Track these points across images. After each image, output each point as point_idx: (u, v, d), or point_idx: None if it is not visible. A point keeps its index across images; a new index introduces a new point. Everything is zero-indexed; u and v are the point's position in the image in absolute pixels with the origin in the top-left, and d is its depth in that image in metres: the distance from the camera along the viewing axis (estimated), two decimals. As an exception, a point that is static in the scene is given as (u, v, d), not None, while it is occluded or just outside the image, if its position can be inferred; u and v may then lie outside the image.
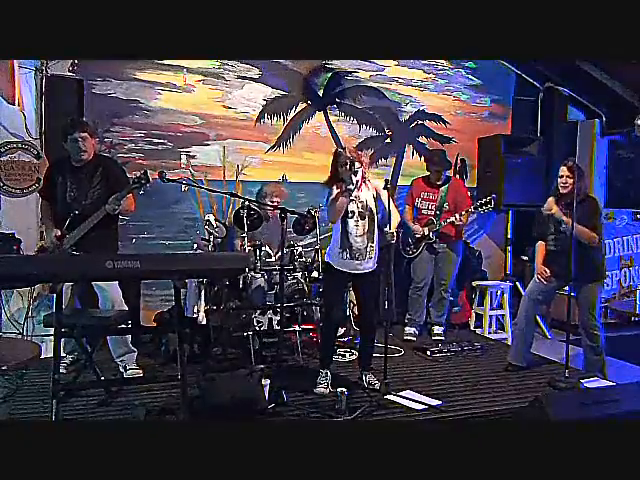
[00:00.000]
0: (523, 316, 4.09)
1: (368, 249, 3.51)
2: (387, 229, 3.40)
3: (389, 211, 3.40)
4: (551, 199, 3.88)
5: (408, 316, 5.07)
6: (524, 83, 6.32)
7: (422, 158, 5.84)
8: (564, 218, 3.77)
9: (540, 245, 4.10)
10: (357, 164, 3.38)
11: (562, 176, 3.83)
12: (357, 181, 3.40)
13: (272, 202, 4.46)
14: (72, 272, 2.70)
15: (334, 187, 3.47)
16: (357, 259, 3.49)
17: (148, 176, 3.54)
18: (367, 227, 3.50)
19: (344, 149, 3.46)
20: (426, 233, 4.91)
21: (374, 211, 3.53)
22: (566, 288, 3.91)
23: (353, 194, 3.43)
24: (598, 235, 3.83)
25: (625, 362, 4.69)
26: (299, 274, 4.35)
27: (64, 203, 3.60)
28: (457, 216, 4.73)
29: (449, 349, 4.56)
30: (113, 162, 3.92)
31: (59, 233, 3.56)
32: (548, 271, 3.97)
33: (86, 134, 3.56)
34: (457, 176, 6.06)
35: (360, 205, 3.48)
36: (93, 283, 3.64)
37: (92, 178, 3.61)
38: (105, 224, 3.58)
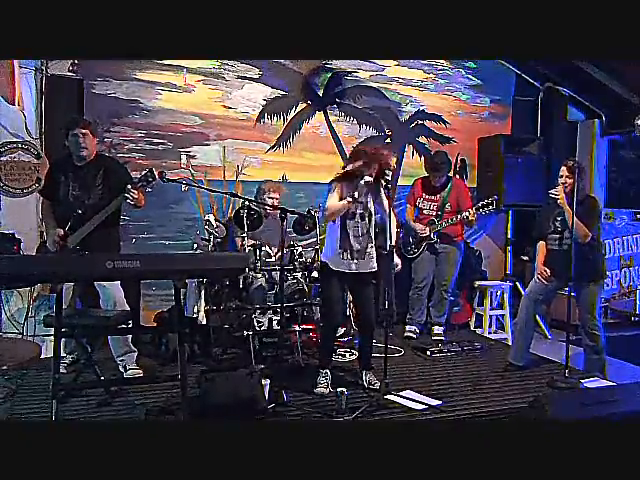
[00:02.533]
0: (523, 316, 4.09)
1: (367, 250, 3.52)
2: (394, 262, 3.55)
3: (390, 210, 3.40)
4: (560, 187, 3.83)
5: (409, 316, 5.08)
6: (524, 83, 6.32)
7: (422, 158, 5.85)
8: (567, 208, 3.74)
9: (541, 245, 4.10)
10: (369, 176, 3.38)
11: (562, 176, 3.84)
12: (365, 190, 3.40)
13: (270, 198, 4.47)
14: (72, 272, 2.69)
15: (337, 187, 3.47)
16: (357, 260, 3.50)
17: (155, 174, 3.54)
18: (366, 228, 3.51)
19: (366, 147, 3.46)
20: (428, 233, 4.92)
21: (373, 212, 3.54)
22: (566, 288, 3.90)
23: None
24: (594, 234, 3.82)
25: (625, 362, 4.69)
26: (299, 274, 4.35)
27: (67, 202, 3.60)
28: (471, 211, 4.73)
29: (449, 349, 4.56)
30: (115, 162, 3.91)
31: (62, 232, 3.56)
32: (548, 271, 3.97)
33: (87, 131, 3.57)
34: (457, 176, 6.06)
35: (361, 206, 3.49)
36: (95, 282, 3.64)
37: (95, 177, 3.62)
38: (108, 224, 3.58)
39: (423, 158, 5.60)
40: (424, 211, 5.02)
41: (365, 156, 3.43)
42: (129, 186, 3.49)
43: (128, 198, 3.49)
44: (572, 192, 3.75)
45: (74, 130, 3.54)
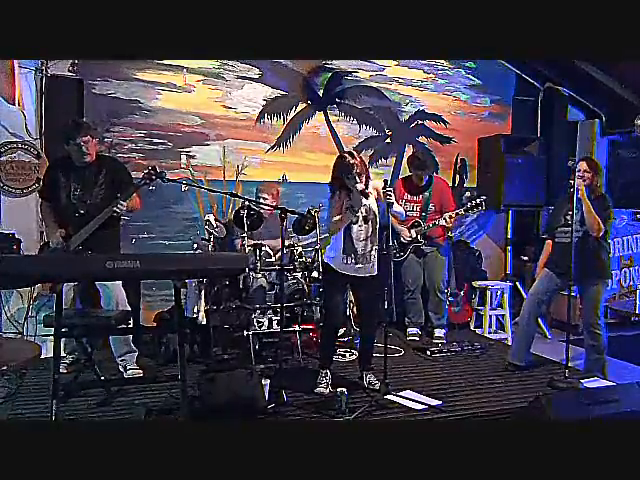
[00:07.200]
0: (525, 316, 4.09)
1: (372, 252, 3.51)
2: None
3: (389, 210, 3.40)
4: (579, 181, 3.83)
5: (407, 320, 5.07)
6: (524, 83, 6.32)
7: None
8: (586, 201, 3.75)
9: (548, 244, 4.14)
10: (362, 177, 3.37)
11: (580, 170, 3.86)
12: (360, 199, 3.38)
13: (264, 199, 4.46)
14: (72, 272, 2.69)
15: (336, 195, 3.47)
16: (362, 263, 3.49)
17: (157, 171, 3.53)
18: (370, 231, 3.50)
19: (349, 157, 3.40)
20: (414, 236, 4.86)
21: (377, 214, 3.53)
22: (569, 288, 3.90)
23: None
24: (606, 229, 3.84)
25: (625, 362, 4.69)
26: (299, 274, 4.35)
27: (68, 203, 3.59)
28: (447, 218, 4.70)
29: (449, 349, 4.56)
30: (116, 162, 3.91)
31: (64, 233, 3.56)
32: (549, 270, 3.99)
33: (88, 137, 3.55)
34: (457, 176, 6.06)
35: (364, 209, 3.47)
36: (96, 282, 3.64)
37: (96, 178, 3.62)
38: (109, 224, 3.59)
39: (406, 157, 5.40)
40: (407, 212, 4.79)
41: (336, 169, 3.43)
42: (120, 195, 3.50)
43: (116, 211, 3.51)
44: (590, 186, 3.81)
45: (76, 140, 3.51)
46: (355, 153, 3.46)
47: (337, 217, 3.44)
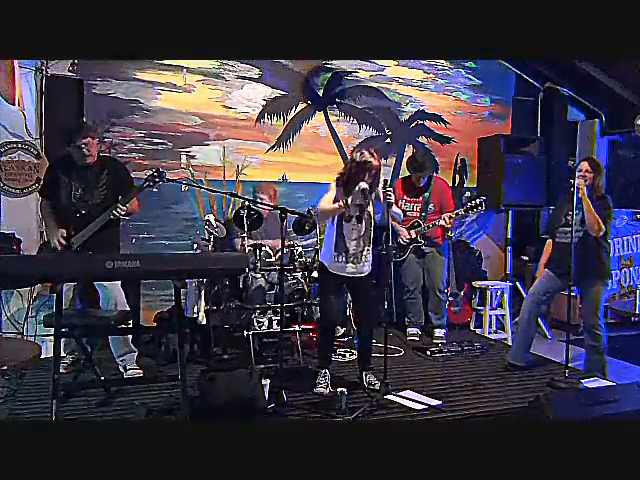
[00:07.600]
0: (525, 316, 4.08)
1: (364, 252, 3.50)
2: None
3: (388, 211, 3.40)
4: (581, 180, 3.83)
5: (407, 320, 5.07)
6: (524, 83, 6.32)
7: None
8: (587, 200, 3.75)
9: (548, 244, 4.13)
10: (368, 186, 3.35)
11: (580, 170, 3.86)
12: (364, 201, 3.37)
13: (261, 199, 4.46)
14: (72, 272, 2.69)
15: (334, 188, 3.46)
16: (353, 263, 3.48)
17: (161, 173, 3.53)
18: (364, 230, 3.49)
19: (373, 159, 3.35)
20: (414, 236, 4.86)
21: (372, 214, 3.52)
22: (569, 288, 3.90)
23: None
24: (606, 229, 3.85)
25: (625, 362, 4.69)
26: (299, 274, 4.35)
27: (70, 203, 3.59)
28: (446, 219, 4.70)
29: (449, 349, 4.56)
30: (117, 162, 3.91)
31: (65, 233, 3.56)
32: (549, 270, 3.99)
33: (89, 139, 3.55)
34: (457, 176, 6.06)
35: (358, 209, 3.45)
36: (95, 282, 3.64)
37: (98, 179, 3.62)
38: (109, 224, 3.59)
39: (406, 157, 5.41)
40: (407, 213, 4.84)
41: (354, 167, 3.39)
42: (121, 198, 3.51)
43: (115, 214, 3.51)
44: (591, 187, 3.80)
45: (77, 142, 3.51)
46: (375, 154, 3.40)
47: (327, 206, 3.42)
